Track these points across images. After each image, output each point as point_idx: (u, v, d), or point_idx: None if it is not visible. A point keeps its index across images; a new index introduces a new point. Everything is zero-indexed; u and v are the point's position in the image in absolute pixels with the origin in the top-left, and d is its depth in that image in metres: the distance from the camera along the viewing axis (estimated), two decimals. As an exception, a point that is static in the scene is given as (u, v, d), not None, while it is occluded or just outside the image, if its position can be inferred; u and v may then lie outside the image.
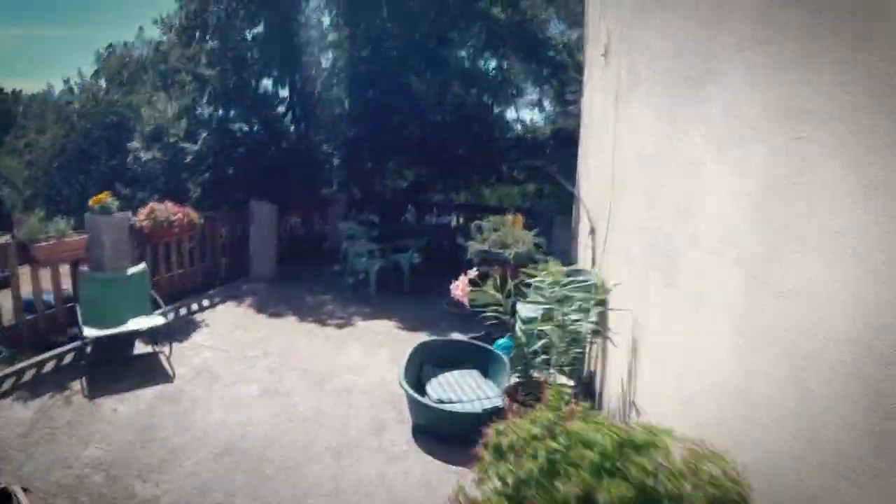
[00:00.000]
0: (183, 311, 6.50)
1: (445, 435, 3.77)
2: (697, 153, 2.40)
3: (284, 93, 10.85)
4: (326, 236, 10.07)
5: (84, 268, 5.23)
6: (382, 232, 8.13)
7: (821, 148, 1.55)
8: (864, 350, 1.33)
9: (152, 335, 5.29)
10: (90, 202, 5.45)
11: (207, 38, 9.79)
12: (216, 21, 9.60)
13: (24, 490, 3.20)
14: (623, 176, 3.61)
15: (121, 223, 5.62)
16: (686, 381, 2.43)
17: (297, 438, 3.86)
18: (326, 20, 10.78)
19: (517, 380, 3.77)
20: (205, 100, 9.94)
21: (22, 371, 4.57)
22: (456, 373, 4.45)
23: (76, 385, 4.47)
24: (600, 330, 3.21)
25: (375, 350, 5.57)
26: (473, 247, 5.15)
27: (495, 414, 3.54)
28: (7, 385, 4.38)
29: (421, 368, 4.46)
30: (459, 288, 3.84)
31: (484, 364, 4.55)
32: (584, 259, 4.59)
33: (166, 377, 4.73)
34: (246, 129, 10.13)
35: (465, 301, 3.82)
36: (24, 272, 5.05)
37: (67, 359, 4.92)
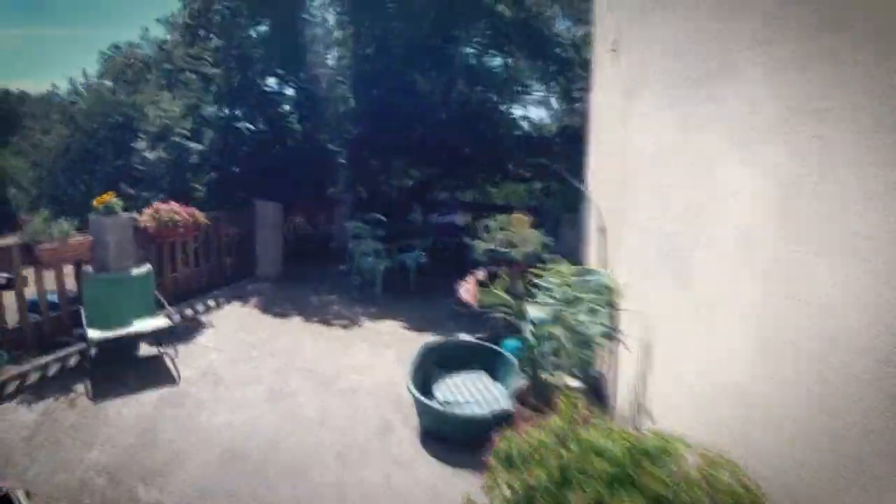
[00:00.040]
0: (188, 311, 6.47)
1: (453, 438, 3.71)
2: (712, 151, 2.33)
3: (289, 91, 10.81)
4: (333, 236, 10.03)
5: (88, 268, 5.20)
6: (388, 231, 8.08)
7: (843, 147, 1.49)
8: (891, 363, 1.27)
9: (157, 337, 5.25)
10: (94, 202, 5.41)
11: (211, 36, 9.76)
12: (220, 19, 9.56)
13: (27, 494, 3.18)
14: (634, 174, 3.55)
15: (125, 224, 5.58)
16: (700, 387, 2.36)
17: (301, 441, 3.81)
18: (331, 18, 10.74)
19: (526, 382, 3.71)
20: (209, 99, 9.91)
21: (26, 374, 4.54)
22: (463, 374, 4.39)
23: (80, 387, 4.45)
24: (611, 332, 3.14)
25: (381, 350, 5.52)
26: (480, 246, 5.09)
27: (504, 418, 3.50)
28: (11, 388, 4.36)
29: (428, 370, 4.40)
30: (468, 289, 3.78)
31: (492, 365, 4.49)
32: (593, 258, 4.52)
33: (171, 379, 4.70)
34: (251, 127, 10.09)
35: (473, 302, 3.76)
36: (28, 273, 5.02)
37: (72, 361, 4.90)
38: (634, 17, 3.72)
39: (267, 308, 6.85)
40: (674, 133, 2.82)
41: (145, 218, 6.04)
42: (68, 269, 5.35)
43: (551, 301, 3.28)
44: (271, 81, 10.61)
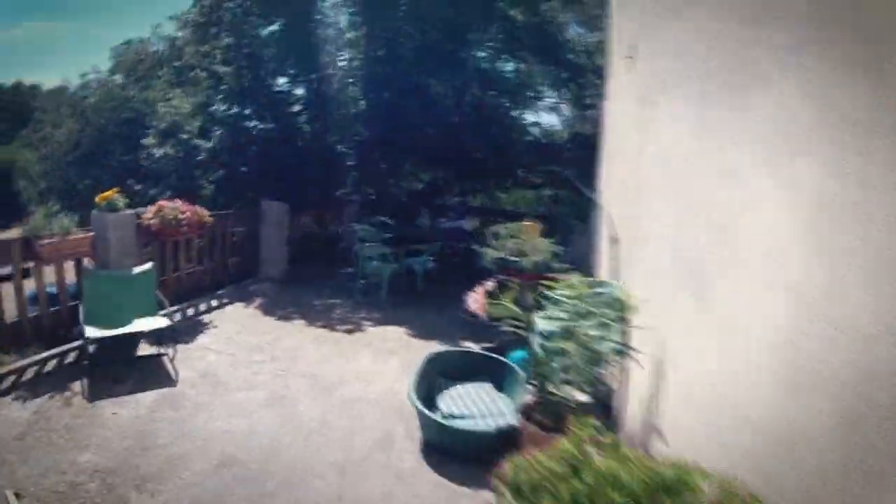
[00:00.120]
0: (190, 311, 6.39)
1: (456, 452, 3.59)
2: (734, 163, 2.22)
3: (300, 91, 10.76)
4: (341, 237, 9.95)
5: (88, 264, 5.12)
6: (396, 235, 7.97)
7: (884, 165, 1.38)
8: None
9: (157, 336, 5.17)
10: (97, 199, 5.35)
11: (223, 34, 9.73)
12: (231, 17, 9.53)
13: (17, 495, 3.09)
14: (649, 184, 3.43)
15: (127, 221, 5.51)
16: (716, 412, 2.24)
17: (300, 450, 3.71)
18: (343, 19, 10.69)
19: (533, 397, 3.59)
20: (219, 97, 9.88)
21: (23, 369, 4.46)
22: (468, 385, 4.28)
23: (77, 386, 4.36)
24: (623, 349, 3.03)
25: (386, 357, 5.41)
26: (490, 254, 4.98)
27: (509, 434, 3.38)
28: (7, 383, 4.28)
29: (432, 379, 4.29)
30: (476, 299, 3.67)
31: (498, 376, 4.36)
32: (604, 269, 4.40)
33: (169, 380, 4.60)
34: (260, 126, 10.05)
35: (482, 313, 3.65)
36: (29, 267, 4.95)
37: (70, 358, 4.81)
38: (652, 24, 3.61)
39: (270, 310, 6.76)
40: (694, 142, 2.71)
41: (149, 215, 5.98)
42: (69, 266, 5.27)
43: (563, 315, 3.16)
44: (282, 81, 10.58)
